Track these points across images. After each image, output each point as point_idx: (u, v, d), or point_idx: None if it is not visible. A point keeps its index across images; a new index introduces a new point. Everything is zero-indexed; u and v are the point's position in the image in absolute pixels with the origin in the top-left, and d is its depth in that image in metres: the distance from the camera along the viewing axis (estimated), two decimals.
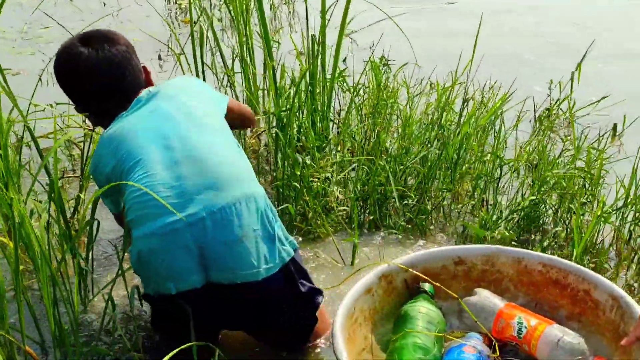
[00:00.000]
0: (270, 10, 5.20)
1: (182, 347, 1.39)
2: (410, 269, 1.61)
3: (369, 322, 1.58)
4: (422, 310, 1.53)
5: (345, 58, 4.01)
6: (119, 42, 1.69)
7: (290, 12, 5.32)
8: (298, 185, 2.21)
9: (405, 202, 2.25)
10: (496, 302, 1.58)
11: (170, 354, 1.34)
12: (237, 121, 1.97)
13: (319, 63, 2.70)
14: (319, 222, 2.18)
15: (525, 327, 1.51)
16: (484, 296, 1.59)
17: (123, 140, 1.57)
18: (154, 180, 1.48)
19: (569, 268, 1.61)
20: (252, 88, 3.15)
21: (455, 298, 1.57)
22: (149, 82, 1.78)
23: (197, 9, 3.43)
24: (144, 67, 1.78)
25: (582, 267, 1.60)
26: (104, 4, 5.53)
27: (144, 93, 1.69)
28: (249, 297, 1.53)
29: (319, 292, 1.65)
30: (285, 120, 2.39)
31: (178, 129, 1.58)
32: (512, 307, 1.57)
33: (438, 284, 1.59)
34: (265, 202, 1.56)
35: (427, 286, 1.60)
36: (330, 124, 2.79)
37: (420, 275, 1.60)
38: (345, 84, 3.02)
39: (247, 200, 1.50)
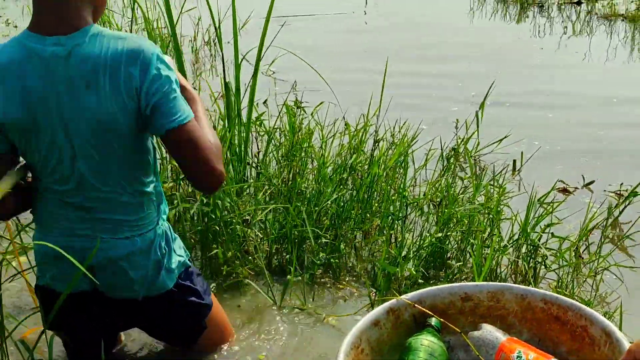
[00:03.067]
0: (192, 53, 5.28)
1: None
2: (417, 305, 1.67)
3: (376, 352, 1.63)
4: (425, 343, 1.58)
5: (266, 100, 4.13)
6: None
7: (211, 54, 5.41)
8: (217, 228, 2.27)
9: (320, 241, 2.34)
10: (498, 336, 1.62)
11: None
12: None
13: (234, 107, 2.79)
14: (238, 265, 2.23)
15: None
16: (488, 331, 1.63)
17: (36, 98, 1.39)
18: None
19: (569, 305, 1.66)
20: None
21: (459, 332, 1.63)
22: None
23: None
24: None
25: (580, 304, 1.66)
26: None
27: (92, 29, 1.38)
28: (131, 308, 1.63)
29: (205, 307, 1.72)
30: None
31: (88, 141, 1.43)
32: (514, 341, 1.62)
33: (443, 320, 1.66)
34: (161, 237, 1.60)
35: (433, 321, 1.66)
36: (248, 168, 2.87)
37: (426, 311, 1.65)
38: (263, 127, 3.12)
39: (142, 238, 1.56)
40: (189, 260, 1.70)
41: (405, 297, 1.67)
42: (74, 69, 1.38)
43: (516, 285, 1.78)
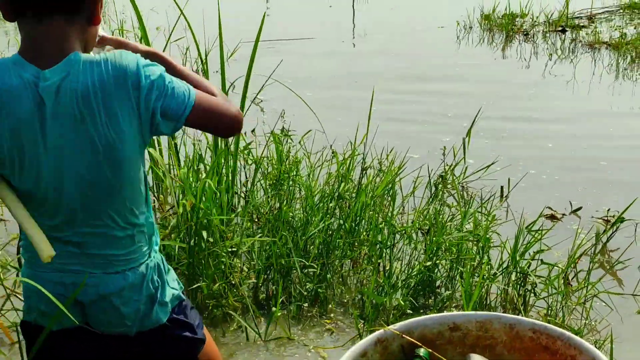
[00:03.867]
0: None
1: None
2: (406, 336, 1.66)
3: None
4: None
5: (254, 129, 4.14)
6: None
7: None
8: (203, 262, 2.24)
9: (307, 270, 2.32)
10: None
11: None
12: None
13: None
14: (224, 298, 2.20)
15: None
16: None
17: (25, 130, 1.33)
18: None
19: (557, 334, 1.66)
20: (159, 164, 3.18)
21: None
22: (95, 13, 1.36)
23: None
24: None
25: (569, 333, 1.66)
26: None
27: (75, 57, 1.32)
28: (123, 342, 1.57)
29: (199, 341, 1.68)
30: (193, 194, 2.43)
31: (84, 175, 1.37)
32: None
33: (431, 350, 1.65)
34: (154, 270, 1.57)
35: (422, 351, 1.65)
36: (236, 197, 2.85)
37: (415, 341, 1.65)
38: (250, 156, 3.11)
39: (134, 272, 1.50)
40: (182, 292, 1.67)
41: (393, 328, 1.66)
42: (65, 104, 1.36)
43: (505, 314, 1.77)
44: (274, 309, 2.11)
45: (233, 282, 2.32)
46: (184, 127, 1.46)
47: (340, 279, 2.40)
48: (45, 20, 1.32)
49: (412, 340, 1.65)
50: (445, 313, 1.80)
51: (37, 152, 1.38)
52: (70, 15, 1.34)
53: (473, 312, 1.80)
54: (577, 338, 1.62)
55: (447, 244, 2.34)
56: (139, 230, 1.52)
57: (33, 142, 1.37)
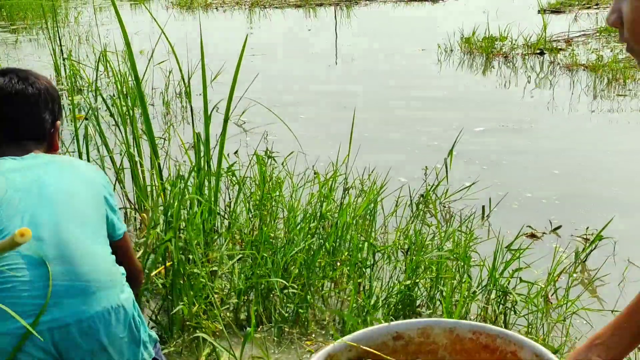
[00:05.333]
0: (163, 105, 5.31)
1: None
2: (356, 346, 1.67)
3: None
4: None
5: (237, 150, 4.15)
6: (39, 82, 1.70)
7: (183, 106, 5.45)
8: (182, 281, 2.23)
9: (287, 291, 2.31)
10: None
11: None
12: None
13: (205, 158, 2.79)
14: (203, 319, 2.19)
15: None
16: None
17: None
18: (17, 276, 1.40)
19: (495, 332, 1.68)
20: (141, 184, 3.18)
21: None
22: (52, 143, 1.74)
23: (88, 105, 3.45)
24: (58, 126, 1.76)
25: (506, 330, 1.69)
26: None
27: (41, 155, 1.66)
28: None
29: None
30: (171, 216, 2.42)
31: (54, 218, 1.50)
32: None
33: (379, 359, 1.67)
34: (134, 307, 1.56)
35: None
36: (219, 218, 2.85)
37: (369, 349, 1.66)
38: (234, 177, 3.12)
39: (117, 309, 1.49)
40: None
41: (345, 339, 1.68)
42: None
43: (444, 319, 1.82)
44: (248, 329, 2.10)
45: (212, 303, 2.31)
46: None
47: (321, 299, 2.40)
48: None
49: (363, 348, 1.67)
50: (389, 323, 1.81)
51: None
52: None
53: (415, 320, 1.83)
54: (517, 334, 1.66)
55: (427, 263, 2.36)
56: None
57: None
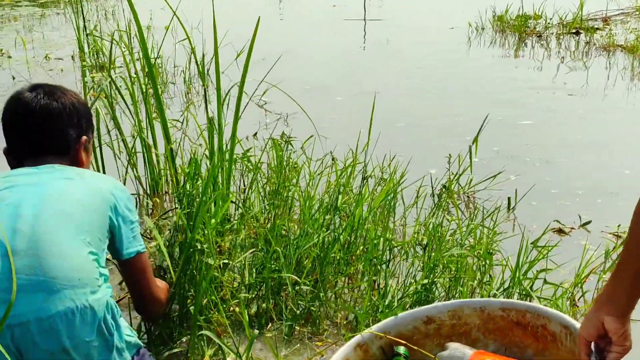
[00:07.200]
0: (184, 84, 5.22)
1: None
2: (385, 335, 1.70)
3: None
4: None
5: (256, 133, 4.05)
6: (65, 97, 1.68)
7: (206, 85, 5.34)
8: (195, 272, 2.14)
9: (299, 287, 2.22)
10: (466, 351, 1.64)
11: None
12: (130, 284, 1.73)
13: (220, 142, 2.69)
14: (215, 314, 2.10)
15: None
16: (454, 348, 1.66)
17: None
18: None
19: (524, 307, 1.69)
20: (155, 168, 3.11)
21: (428, 355, 1.67)
22: (77, 157, 1.70)
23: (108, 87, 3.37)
24: (85, 141, 1.71)
25: (534, 304, 1.68)
26: (14, 78, 5.40)
27: (57, 165, 1.60)
28: None
29: None
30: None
31: (36, 212, 1.44)
32: (481, 354, 1.63)
33: (410, 345, 1.70)
34: (107, 310, 1.47)
35: (401, 349, 1.69)
36: (233, 206, 2.76)
37: (395, 339, 1.70)
38: (249, 163, 3.02)
39: (83, 310, 1.39)
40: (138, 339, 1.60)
41: (371, 330, 1.70)
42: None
43: (473, 299, 1.82)
44: (256, 331, 2.02)
45: (223, 298, 2.23)
46: None
47: (334, 296, 2.30)
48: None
49: (392, 338, 1.69)
50: (416, 308, 1.83)
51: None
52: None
53: (443, 303, 1.82)
54: (544, 307, 1.66)
55: (446, 261, 2.24)
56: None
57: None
